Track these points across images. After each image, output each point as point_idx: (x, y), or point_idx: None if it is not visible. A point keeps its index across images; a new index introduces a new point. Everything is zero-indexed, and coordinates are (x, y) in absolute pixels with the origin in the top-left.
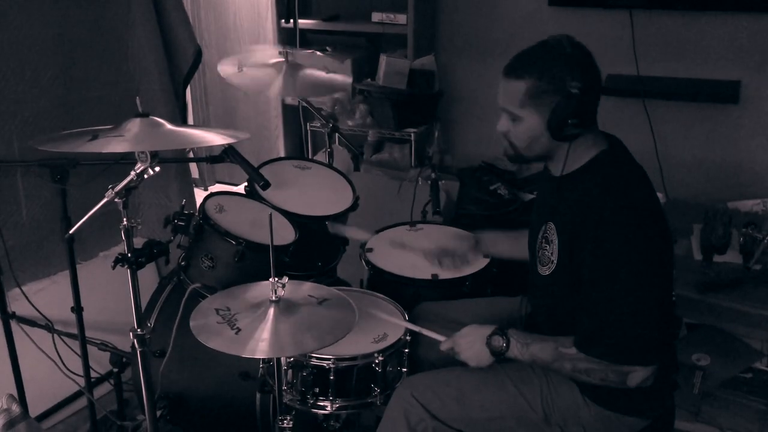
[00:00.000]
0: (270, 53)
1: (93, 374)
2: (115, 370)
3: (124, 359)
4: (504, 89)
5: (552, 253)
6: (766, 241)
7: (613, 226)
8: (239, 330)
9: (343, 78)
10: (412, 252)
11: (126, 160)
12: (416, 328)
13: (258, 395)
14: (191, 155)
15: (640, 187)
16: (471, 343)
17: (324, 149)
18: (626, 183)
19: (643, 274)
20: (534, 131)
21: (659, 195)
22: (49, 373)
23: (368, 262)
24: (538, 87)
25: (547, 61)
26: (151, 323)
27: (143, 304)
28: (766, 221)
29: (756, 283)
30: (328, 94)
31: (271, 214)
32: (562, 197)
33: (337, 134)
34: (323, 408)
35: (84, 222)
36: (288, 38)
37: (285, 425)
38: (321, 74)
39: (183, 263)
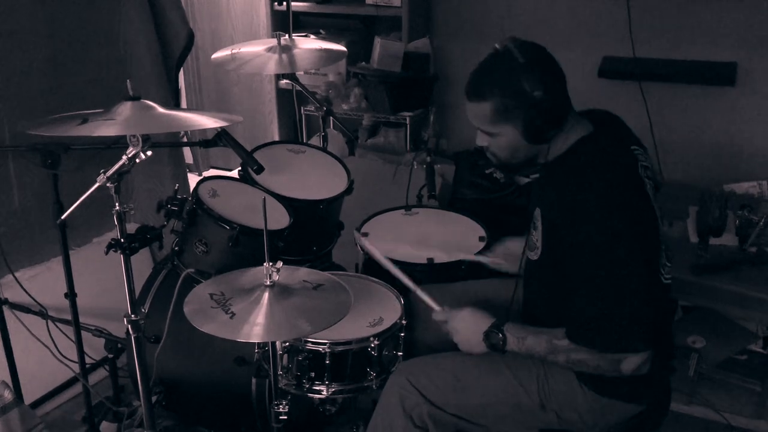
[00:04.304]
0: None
1: (88, 360)
2: (110, 356)
3: (119, 345)
4: (471, 111)
5: (537, 239)
6: (761, 223)
7: (593, 214)
8: (234, 314)
9: (339, 47)
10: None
11: (118, 145)
12: (410, 285)
13: (254, 380)
14: (185, 139)
15: (619, 171)
16: (468, 336)
17: (318, 133)
18: (604, 169)
19: (626, 260)
20: (513, 143)
21: None
22: (44, 360)
23: (363, 247)
24: (503, 104)
25: (503, 77)
26: (145, 309)
27: (137, 290)
28: (761, 203)
29: (751, 265)
30: (325, 65)
31: (264, 198)
32: (546, 184)
33: (331, 118)
34: (319, 392)
35: (76, 207)
36: (281, 21)
37: (281, 410)
38: (315, 46)
39: (177, 248)
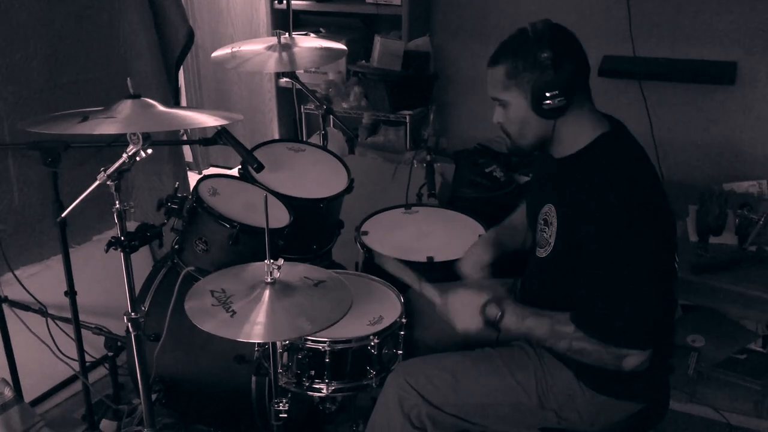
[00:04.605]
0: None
1: (87, 358)
2: (110, 354)
3: (119, 343)
4: (490, 78)
5: (550, 236)
6: (761, 222)
7: (615, 209)
8: (234, 313)
9: (339, 45)
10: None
11: (118, 143)
12: (413, 283)
13: (253, 378)
14: (185, 138)
15: (642, 170)
16: (464, 306)
17: (318, 132)
18: (628, 166)
19: (644, 258)
20: (521, 113)
21: None
22: (44, 358)
23: (363, 245)
24: (515, 67)
25: (521, 43)
26: (145, 307)
27: (137, 288)
28: (761, 203)
29: (751, 264)
30: (325, 64)
31: (266, 196)
32: (563, 179)
33: (331, 116)
34: (319, 390)
35: (76, 205)
36: (281, 19)
37: (280, 408)
38: (316, 44)
39: (177, 247)
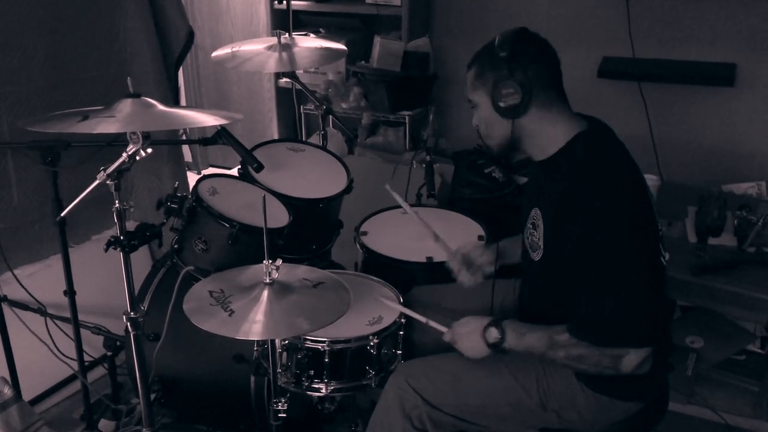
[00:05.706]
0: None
1: (86, 358)
2: (109, 353)
3: (118, 343)
4: (466, 82)
5: (539, 239)
6: (760, 223)
7: (594, 209)
8: (233, 312)
9: (339, 46)
10: (437, 242)
11: (118, 142)
12: (420, 318)
13: (252, 378)
14: (184, 137)
15: (619, 166)
16: (468, 335)
17: (318, 132)
18: (603, 163)
19: (627, 255)
20: (486, 113)
21: (654, 177)
22: (43, 357)
23: (363, 245)
24: (481, 68)
25: (488, 46)
26: (144, 306)
27: (136, 288)
28: (760, 204)
29: (750, 266)
30: (324, 64)
31: (264, 197)
32: (544, 182)
33: (330, 117)
34: (318, 390)
35: (76, 205)
36: (281, 19)
37: (279, 408)
38: (315, 44)
39: (176, 246)
